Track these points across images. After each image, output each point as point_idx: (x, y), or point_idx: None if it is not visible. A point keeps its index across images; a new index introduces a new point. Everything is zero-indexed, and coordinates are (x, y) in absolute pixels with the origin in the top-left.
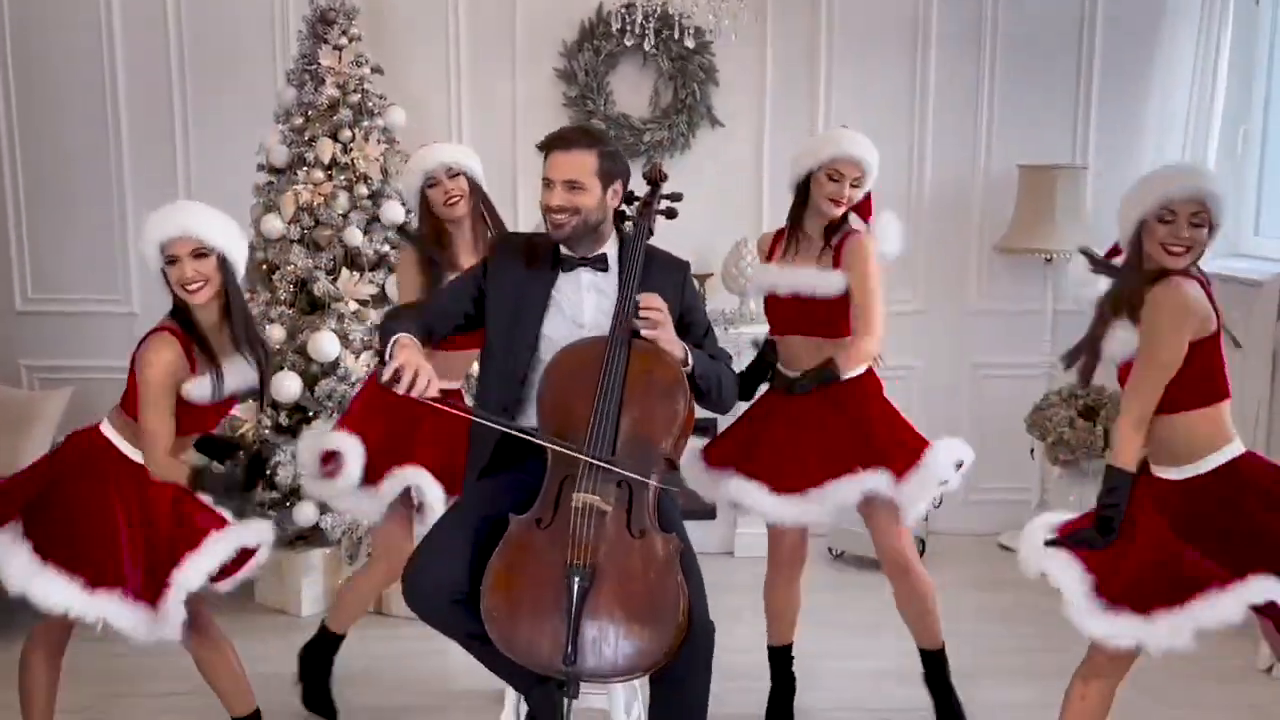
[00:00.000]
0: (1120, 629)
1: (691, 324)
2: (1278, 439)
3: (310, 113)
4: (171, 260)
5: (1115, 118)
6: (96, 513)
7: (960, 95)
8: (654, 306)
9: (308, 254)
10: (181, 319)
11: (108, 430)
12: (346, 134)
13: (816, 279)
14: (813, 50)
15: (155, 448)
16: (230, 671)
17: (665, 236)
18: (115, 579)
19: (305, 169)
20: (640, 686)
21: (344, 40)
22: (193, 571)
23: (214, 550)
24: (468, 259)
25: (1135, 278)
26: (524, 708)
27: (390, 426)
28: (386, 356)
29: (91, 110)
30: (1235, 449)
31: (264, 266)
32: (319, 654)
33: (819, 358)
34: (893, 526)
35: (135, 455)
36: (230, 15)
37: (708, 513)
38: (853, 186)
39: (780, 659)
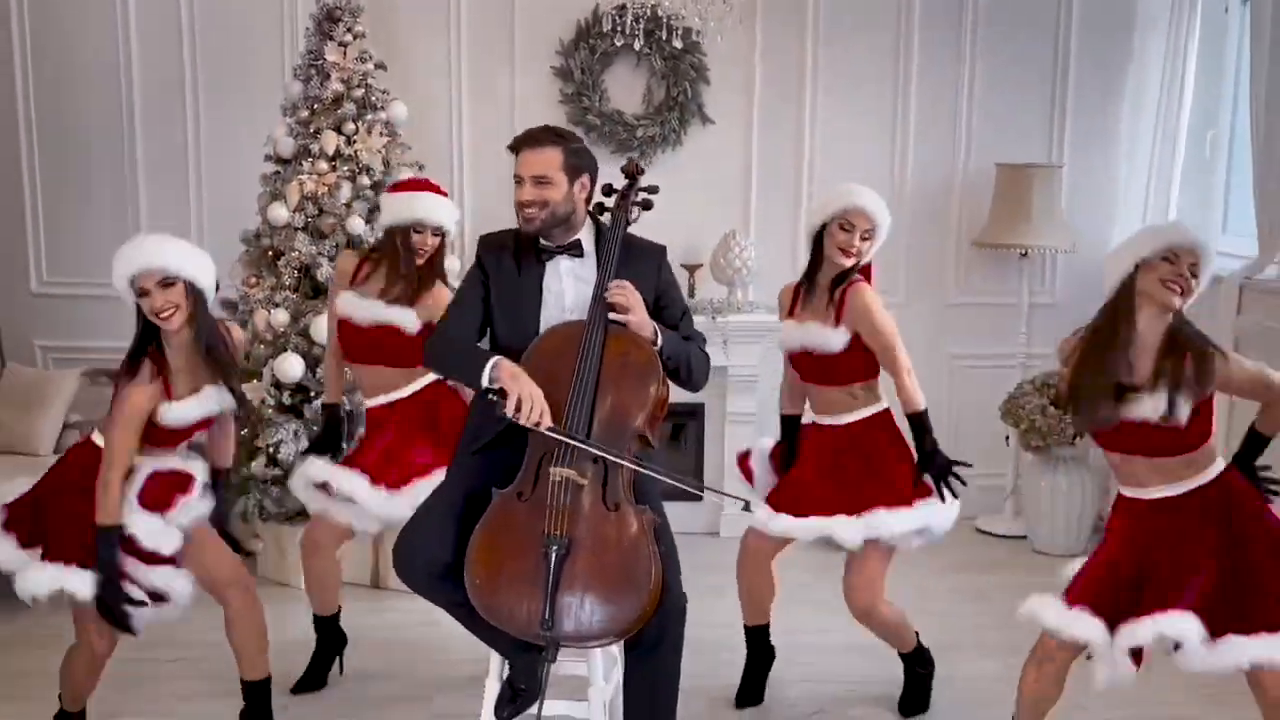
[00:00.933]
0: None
1: (667, 305)
2: (1239, 426)
3: (316, 106)
4: (143, 293)
5: (1089, 120)
6: (83, 520)
7: (941, 96)
8: (621, 292)
9: (311, 241)
10: (157, 344)
11: (100, 441)
12: (350, 127)
13: (819, 336)
14: (800, 51)
15: (112, 468)
16: (258, 633)
17: (658, 228)
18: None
19: (310, 160)
20: (619, 653)
21: (349, 37)
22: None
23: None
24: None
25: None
26: (507, 671)
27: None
28: (485, 381)
29: (106, 101)
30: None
31: (269, 252)
32: (327, 636)
33: (847, 403)
34: (859, 575)
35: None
36: (240, 12)
37: (694, 495)
38: (863, 239)
39: (757, 636)
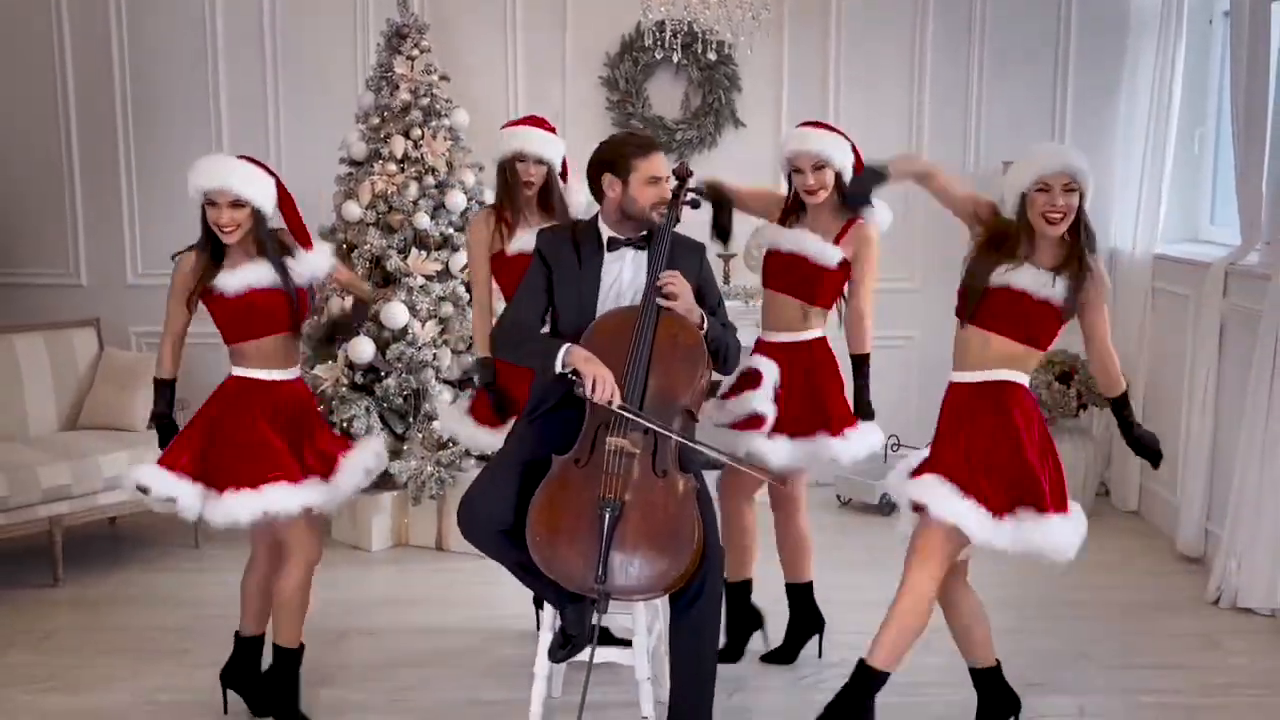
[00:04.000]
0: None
1: (705, 295)
2: (1225, 400)
3: (386, 114)
4: (211, 203)
5: (1087, 120)
6: (251, 433)
7: (953, 100)
8: (672, 280)
9: (382, 235)
10: (211, 242)
11: (233, 370)
12: (417, 132)
13: (817, 247)
14: (823, 60)
15: (164, 332)
16: (301, 608)
17: (697, 221)
18: (280, 475)
19: (381, 162)
20: (661, 606)
21: (416, 52)
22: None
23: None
24: (524, 231)
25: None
26: (559, 622)
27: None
28: (559, 366)
29: (196, 113)
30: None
31: (344, 246)
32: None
33: (794, 318)
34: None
35: (263, 374)
36: (318, 29)
37: (714, 464)
38: (816, 170)
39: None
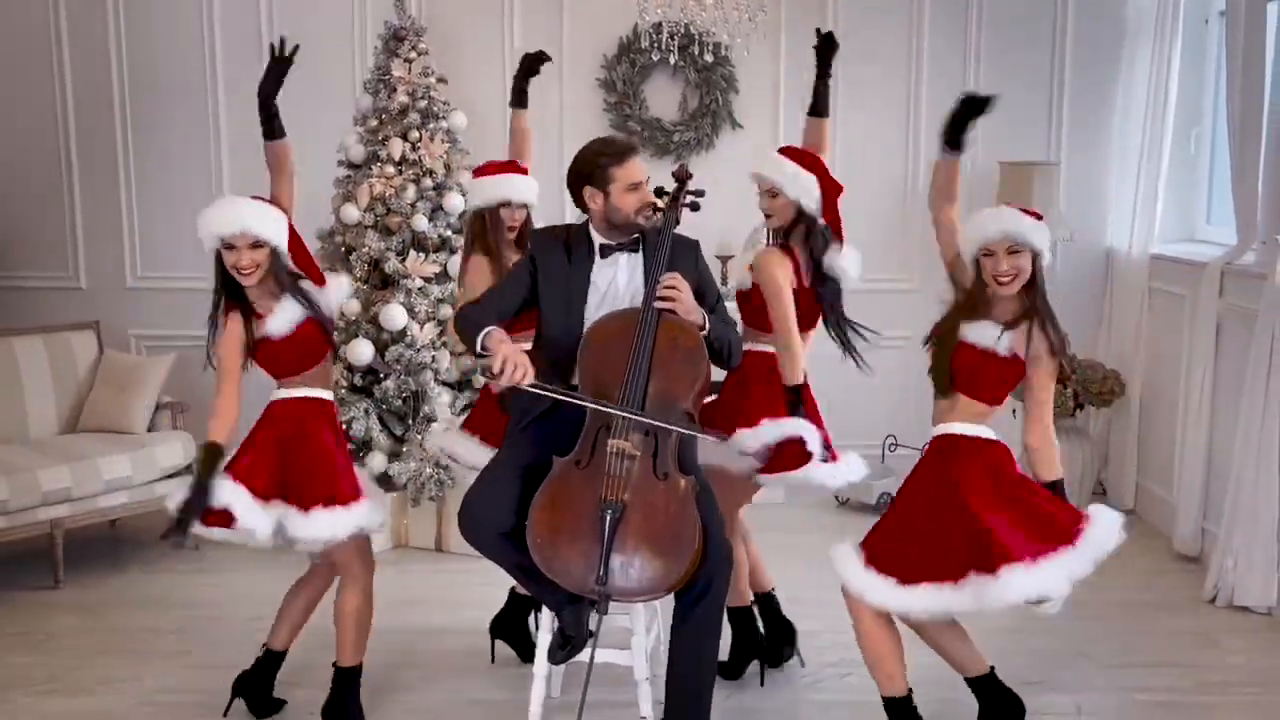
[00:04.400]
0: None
1: (705, 293)
2: (1221, 399)
3: (384, 116)
4: (229, 246)
5: (1083, 121)
6: (329, 449)
7: (949, 101)
8: (673, 284)
9: (380, 237)
10: (231, 289)
11: (279, 394)
12: (415, 135)
13: (740, 271)
14: None
15: (222, 398)
16: (366, 627)
17: (695, 223)
18: (352, 494)
19: (379, 165)
20: (660, 606)
21: (413, 54)
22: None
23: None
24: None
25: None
26: (557, 623)
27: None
28: (478, 349)
29: (193, 115)
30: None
31: (343, 249)
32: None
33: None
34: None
35: (311, 393)
36: (315, 32)
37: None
38: (771, 198)
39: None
